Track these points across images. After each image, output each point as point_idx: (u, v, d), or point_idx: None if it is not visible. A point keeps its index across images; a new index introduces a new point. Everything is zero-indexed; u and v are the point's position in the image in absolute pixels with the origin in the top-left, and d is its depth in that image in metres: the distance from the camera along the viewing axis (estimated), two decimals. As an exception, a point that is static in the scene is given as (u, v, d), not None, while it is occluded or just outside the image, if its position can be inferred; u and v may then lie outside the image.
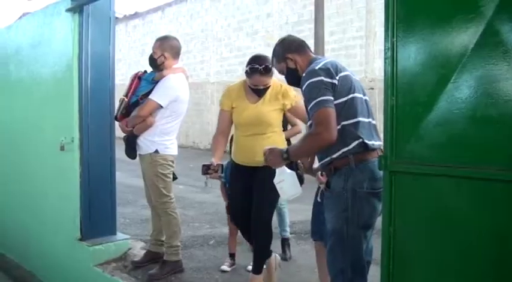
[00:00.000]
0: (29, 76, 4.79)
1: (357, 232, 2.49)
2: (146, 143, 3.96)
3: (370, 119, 2.63)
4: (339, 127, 2.48)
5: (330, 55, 11.09)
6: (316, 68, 2.53)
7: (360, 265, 2.52)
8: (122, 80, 10.58)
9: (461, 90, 1.70)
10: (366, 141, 2.51)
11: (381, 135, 2.30)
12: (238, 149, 3.70)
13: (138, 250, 4.41)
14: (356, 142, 2.51)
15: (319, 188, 3.04)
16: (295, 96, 3.60)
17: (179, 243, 4.07)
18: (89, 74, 4.08)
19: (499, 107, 1.61)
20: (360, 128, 2.53)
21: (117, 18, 14.83)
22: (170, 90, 3.90)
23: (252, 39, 13.76)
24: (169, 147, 3.99)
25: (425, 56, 1.82)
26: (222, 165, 3.57)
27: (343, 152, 2.51)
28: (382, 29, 1.93)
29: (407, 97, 1.86)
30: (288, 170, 2.79)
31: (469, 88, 1.68)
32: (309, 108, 2.51)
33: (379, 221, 2.15)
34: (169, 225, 3.98)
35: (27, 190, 4.95)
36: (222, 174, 3.77)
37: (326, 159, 2.60)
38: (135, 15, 19.41)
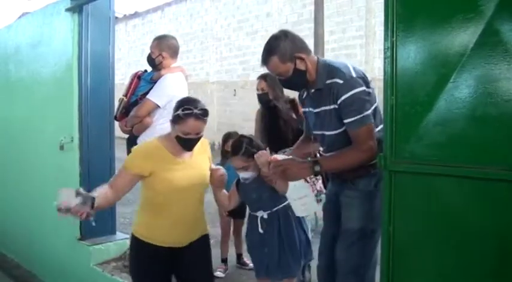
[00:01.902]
0: (29, 76, 4.79)
1: (379, 228, 2.48)
2: (145, 143, 3.96)
3: None
4: (377, 133, 2.48)
5: (330, 55, 11.09)
6: (353, 76, 2.44)
7: (376, 258, 2.56)
8: (121, 80, 10.59)
9: (461, 90, 1.70)
10: None
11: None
12: (162, 226, 2.76)
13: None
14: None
15: (260, 217, 2.89)
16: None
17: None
18: (88, 73, 4.08)
19: (499, 107, 1.61)
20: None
21: (116, 17, 14.83)
22: (167, 89, 3.89)
23: (251, 39, 13.76)
24: None
25: (425, 56, 1.81)
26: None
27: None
28: (382, 28, 1.93)
29: (407, 97, 1.86)
30: (304, 183, 2.65)
31: (469, 88, 1.68)
32: (349, 120, 2.43)
33: (378, 221, 2.15)
34: None
35: (27, 189, 4.95)
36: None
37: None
38: (135, 14, 19.41)
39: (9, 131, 5.33)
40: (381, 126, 2.50)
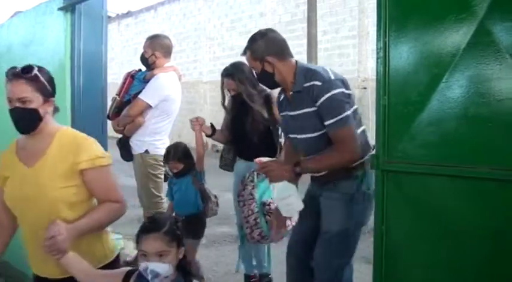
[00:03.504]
0: (21, 75, 4.76)
1: (358, 230, 2.62)
2: (137, 143, 3.95)
3: None
4: (362, 130, 2.59)
5: (323, 55, 11.11)
6: (332, 78, 2.50)
7: (350, 259, 2.66)
8: (114, 79, 10.54)
9: (453, 90, 1.70)
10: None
11: (373, 135, 2.32)
12: (29, 252, 2.32)
13: (131, 250, 4.39)
14: (372, 149, 2.55)
15: None
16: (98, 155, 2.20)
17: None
18: (81, 73, 4.06)
19: (491, 107, 1.62)
20: (366, 132, 2.64)
21: (109, 17, 14.79)
22: (159, 89, 3.88)
23: (245, 39, 13.59)
24: (160, 147, 3.97)
25: (417, 56, 1.82)
26: None
27: (364, 158, 2.56)
28: (375, 28, 1.94)
29: (399, 97, 1.86)
30: (291, 184, 2.62)
31: (461, 88, 1.69)
32: (330, 122, 2.47)
33: (371, 221, 2.15)
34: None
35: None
36: None
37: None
38: (128, 14, 19.35)
39: (0, 130, 5.29)
40: (361, 129, 2.58)
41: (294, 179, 2.64)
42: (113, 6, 26.40)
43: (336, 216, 2.60)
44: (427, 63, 1.79)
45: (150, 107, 3.89)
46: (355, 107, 2.56)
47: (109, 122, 4.13)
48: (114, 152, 4.05)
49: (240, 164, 3.68)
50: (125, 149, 4.04)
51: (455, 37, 1.69)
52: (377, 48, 1.92)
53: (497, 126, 1.61)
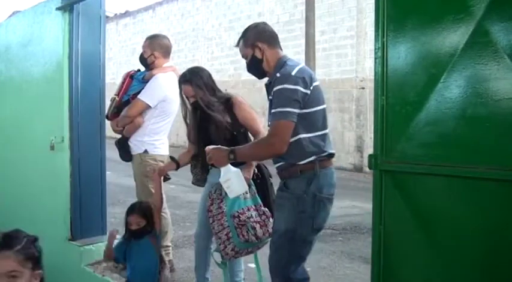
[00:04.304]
0: (19, 75, 4.75)
1: (309, 234, 2.58)
2: (136, 143, 3.95)
3: (328, 130, 2.69)
4: (308, 136, 2.54)
5: (321, 55, 11.12)
6: (293, 73, 2.50)
7: (302, 261, 2.64)
8: (112, 79, 10.56)
9: (451, 90, 1.71)
10: (331, 151, 2.62)
11: (372, 135, 2.32)
12: None
13: (129, 250, 4.39)
14: (324, 153, 2.58)
15: None
16: None
17: (170, 243, 4.05)
18: (79, 73, 4.06)
19: (489, 107, 1.63)
20: (326, 139, 2.62)
21: (107, 17, 14.77)
22: (158, 89, 3.87)
23: (243, 39, 13.74)
24: (159, 147, 3.96)
25: (415, 56, 1.82)
26: None
27: (311, 160, 2.55)
28: (373, 28, 1.94)
29: (397, 97, 1.87)
30: (233, 168, 2.77)
31: (459, 88, 1.69)
32: (272, 111, 2.50)
33: (369, 221, 2.15)
34: (160, 226, 3.96)
35: (17, 190, 4.92)
36: None
37: (286, 162, 2.61)
38: (126, 14, 19.34)
39: (-2, 130, 5.28)
40: (318, 133, 2.57)
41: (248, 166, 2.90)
42: (111, 6, 26.40)
43: (283, 216, 2.60)
44: (425, 64, 1.79)
45: (149, 107, 3.88)
46: (313, 109, 2.55)
47: (107, 122, 4.13)
48: (112, 152, 4.05)
49: (214, 171, 3.30)
50: (124, 150, 4.03)
51: (453, 37, 1.70)
52: (375, 48, 1.92)
53: (495, 126, 1.62)
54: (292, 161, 2.57)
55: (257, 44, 2.66)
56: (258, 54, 2.68)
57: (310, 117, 2.54)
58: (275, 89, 2.50)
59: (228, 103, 3.33)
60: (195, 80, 3.31)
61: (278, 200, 2.72)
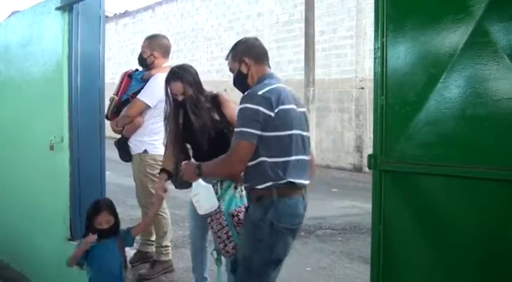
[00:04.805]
0: (19, 75, 4.75)
1: (264, 265, 2.48)
2: (136, 143, 3.95)
3: (304, 156, 2.54)
4: (268, 160, 2.42)
5: (321, 55, 11.11)
6: (259, 93, 2.42)
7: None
8: (111, 79, 10.53)
9: (451, 90, 1.71)
10: (292, 180, 2.44)
11: (371, 135, 2.31)
12: None
13: (129, 250, 4.39)
14: (283, 180, 2.43)
15: None
16: None
17: (170, 243, 4.06)
18: (78, 72, 4.05)
19: (488, 107, 1.63)
20: (290, 167, 2.45)
21: (107, 16, 14.76)
22: (158, 89, 3.87)
23: (242, 39, 13.75)
24: (158, 147, 3.97)
25: (414, 56, 1.82)
26: None
27: (268, 186, 2.44)
28: (373, 28, 1.94)
29: (397, 97, 1.87)
30: (203, 183, 2.75)
31: (459, 88, 1.69)
32: (235, 130, 2.47)
33: (368, 221, 2.16)
34: (160, 226, 3.96)
35: (16, 190, 4.92)
36: None
37: (248, 185, 2.54)
38: (125, 13, 19.34)
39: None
40: (281, 159, 2.43)
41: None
42: (111, 6, 26.42)
43: (242, 242, 2.57)
44: (424, 64, 1.79)
45: (148, 107, 3.89)
46: (280, 133, 2.43)
47: (107, 122, 4.13)
48: (112, 152, 4.05)
49: None
50: (124, 150, 4.03)
51: (453, 37, 1.70)
52: (375, 48, 1.92)
53: (494, 126, 1.62)
54: (252, 184, 2.48)
55: (244, 58, 2.62)
56: (244, 69, 2.63)
57: (274, 141, 2.43)
58: (239, 107, 2.46)
59: (216, 101, 3.30)
60: (186, 76, 3.25)
61: (243, 223, 2.66)
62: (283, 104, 2.43)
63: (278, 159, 2.43)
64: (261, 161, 2.43)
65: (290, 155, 2.45)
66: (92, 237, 2.96)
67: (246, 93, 2.49)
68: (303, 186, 2.52)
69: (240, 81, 2.68)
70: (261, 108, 2.38)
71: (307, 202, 2.58)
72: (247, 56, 2.62)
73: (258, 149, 2.41)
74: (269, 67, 2.70)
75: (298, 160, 2.48)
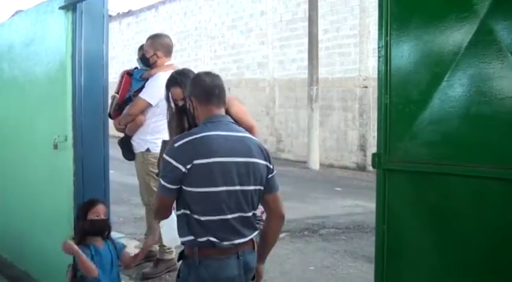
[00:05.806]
0: (22, 74, 4.76)
1: None
2: (138, 141, 3.96)
3: (239, 214, 2.23)
4: (191, 215, 2.21)
5: (324, 53, 11.10)
6: (176, 144, 2.24)
7: None
8: (115, 78, 10.56)
9: (455, 89, 1.70)
10: (214, 239, 2.18)
11: (375, 134, 2.30)
12: None
13: (132, 249, 4.40)
14: (203, 238, 2.19)
15: None
16: None
17: (171, 243, 4.06)
18: (82, 72, 4.06)
19: (493, 105, 1.62)
20: (211, 225, 2.19)
21: (110, 16, 14.79)
22: (160, 88, 3.88)
23: (246, 37, 13.75)
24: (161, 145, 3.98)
25: (418, 55, 1.82)
26: None
27: (189, 241, 2.23)
28: (376, 27, 1.94)
29: (400, 95, 1.86)
30: (173, 214, 2.44)
31: (463, 86, 1.69)
32: None
33: (372, 220, 2.15)
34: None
35: (20, 189, 4.93)
36: None
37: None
38: (129, 13, 19.37)
39: (1, 130, 5.30)
40: (202, 217, 2.20)
41: None
42: (114, 5, 26.43)
43: None
44: (428, 62, 1.79)
45: (150, 105, 3.90)
46: (197, 189, 2.19)
47: (111, 121, 4.14)
48: (116, 151, 4.05)
49: None
50: (127, 149, 4.04)
51: (457, 36, 1.69)
52: (378, 47, 1.92)
53: (498, 125, 1.61)
54: (180, 236, 2.28)
55: (191, 97, 2.44)
56: (191, 108, 2.46)
57: (195, 197, 2.21)
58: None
59: None
60: (185, 82, 3.16)
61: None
62: (203, 157, 2.18)
63: (199, 217, 2.20)
64: (183, 213, 2.24)
65: (217, 214, 2.19)
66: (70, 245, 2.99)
67: (175, 139, 2.35)
68: (234, 246, 2.22)
69: (192, 116, 2.53)
70: (173, 162, 2.19)
71: (249, 259, 2.29)
72: (192, 96, 2.43)
73: (181, 200, 2.24)
74: (216, 106, 2.39)
75: (230, 218, 2.21)
